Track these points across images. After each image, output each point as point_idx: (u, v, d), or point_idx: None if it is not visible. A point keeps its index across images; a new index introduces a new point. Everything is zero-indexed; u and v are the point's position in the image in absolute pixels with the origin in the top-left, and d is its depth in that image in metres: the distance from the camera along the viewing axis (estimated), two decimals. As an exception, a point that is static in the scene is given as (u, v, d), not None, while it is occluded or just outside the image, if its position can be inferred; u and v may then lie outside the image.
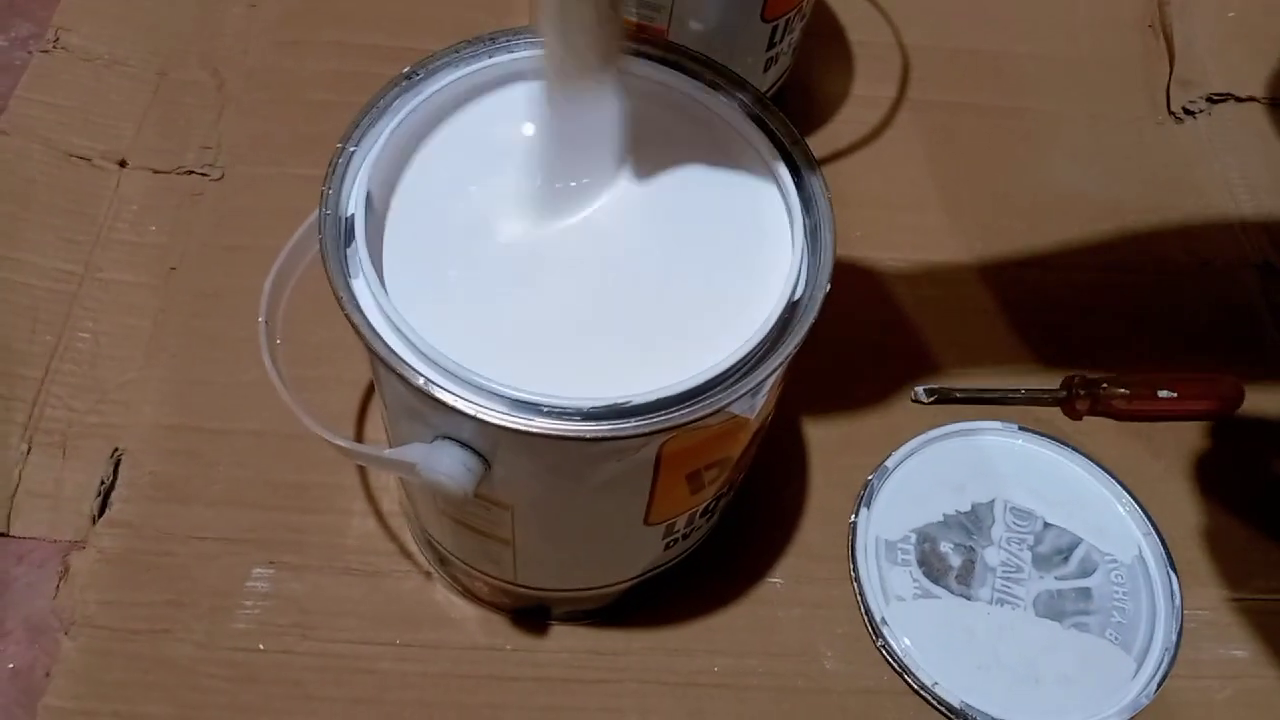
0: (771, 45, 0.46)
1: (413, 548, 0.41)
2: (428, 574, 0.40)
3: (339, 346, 0.43)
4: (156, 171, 0.49)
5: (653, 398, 0.26)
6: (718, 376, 0.26)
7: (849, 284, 0.49)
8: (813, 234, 0.29)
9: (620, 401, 0.25)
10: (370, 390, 0.44)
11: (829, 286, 0.28)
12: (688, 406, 0.26)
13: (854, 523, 0.43)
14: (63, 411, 0.42)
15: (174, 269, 0.46)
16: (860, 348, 0.47)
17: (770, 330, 0.27)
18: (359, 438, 0.43)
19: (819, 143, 0.54)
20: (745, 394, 0.26)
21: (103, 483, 0.40)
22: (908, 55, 0.58)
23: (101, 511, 0.40)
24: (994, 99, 0.57)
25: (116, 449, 0.41)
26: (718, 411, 0.26)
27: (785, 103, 0.54)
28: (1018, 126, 0.56)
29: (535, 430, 0.25)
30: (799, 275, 0.29)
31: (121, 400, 0.43)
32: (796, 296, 0.28)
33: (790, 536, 0.42)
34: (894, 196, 0.53)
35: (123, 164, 0.49)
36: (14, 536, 0.40)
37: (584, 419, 0.25)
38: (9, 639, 0.38)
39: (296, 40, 0.54)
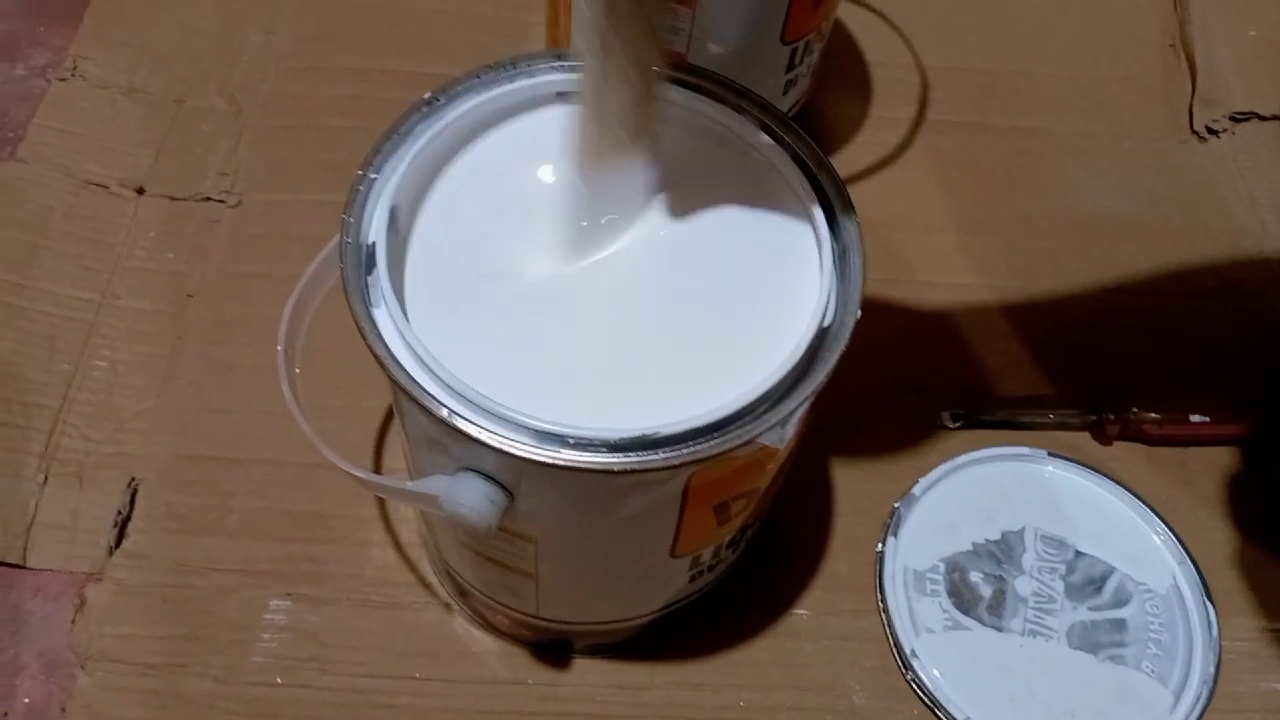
0: (791, 67, 0.46)
1: (432, 579, 0.40)
2: (447, 606, 0.39)
3: (356, 374, 0.43)
4: (174, 199, 0.48)
5: (681, 429, 0.25)
6: (747, 407, 0.26)
7: (871, 307, 0.48)
8: (841, 258, 0.29)
9: (648, 432, 0.25)
10: (389, 419, 0.43)
11: (859, 313, 0.27)
12: (717, 437, 0.25)
13: (881, 552, 0.42)
14: (80, 441, 0.42)
15: (191, 296, 0.46)
16: (884, 372, 0.47)
17: (800, 359, 0.26)
18: (378, 467, 0.43)
19: (838, 165, 0.52)
20: (775, 424, 0.26)
21: (119, 514, 0.40)
22: (926, 76, 0.58)
23: (118, 543, 0.40)
24: (1014, 119, 0.57)
25: (133, 479, 0.41)
26: (748, 443, 0.25)
27: (804, 124, 0.53)
28: (1038, 147, 0.56)
29: (561, 463, 0.24)
30: (828, 301, 0.28)
31: (138, 429, 0.42)
32: (826, 323, 0.28)
33: (816, 566, 0.42)
34: (915, 218, 0.52)
35: (140, 191, 0.48)
36: (30, 569, 0.39)
37: (611, 450, 0.25)
38: (24, 673, 0.37)
39: (312, 67, 0.54)
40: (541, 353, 0.27)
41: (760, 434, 0.25)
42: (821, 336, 0.27)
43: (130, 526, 0.40)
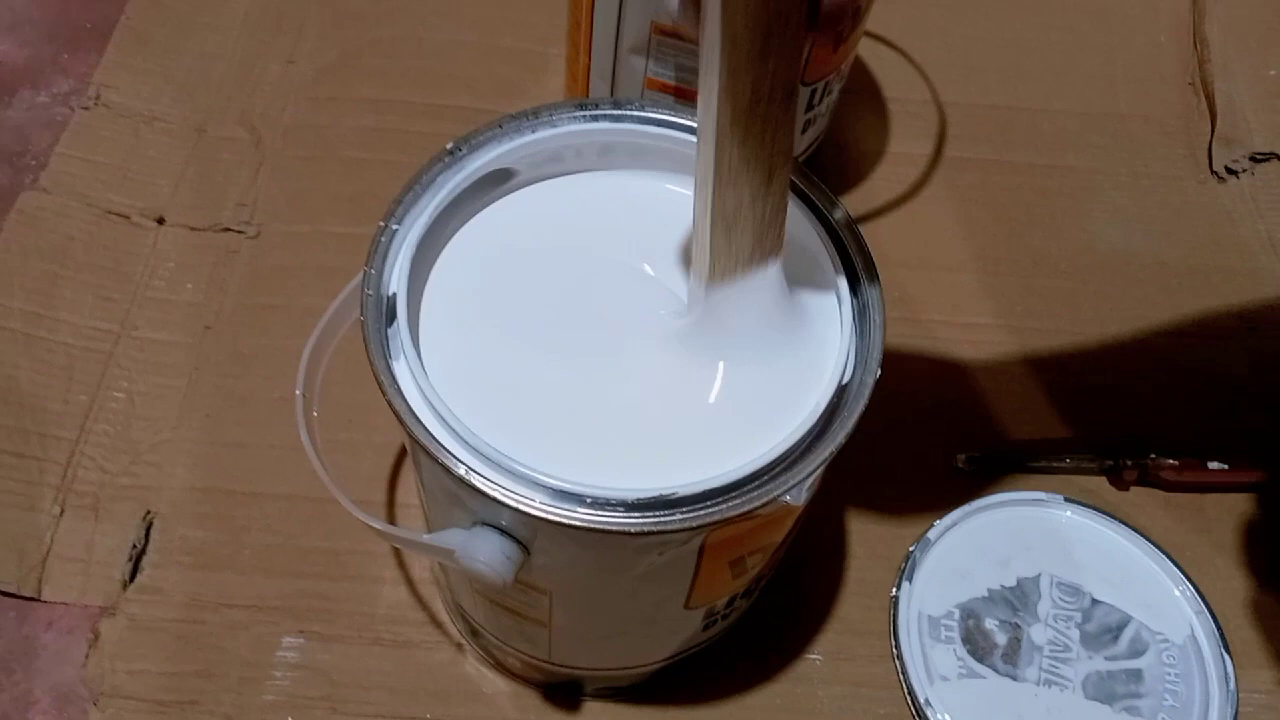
0: (810, 108, 0.46)
1: (444, 617, 0.40)
2: (459, 645, 0.39)
3: (370, 406, 0.43)
4: (193, 229, 0.49)
5: (699, 489, 0.25)
6: (765, 467, 0.25)
7: (890, 346, 0.48)
8: (861, 316, 0.29)
9: (666, 493, 0.25)
10: (403, 453, 0.43)
11: (879, 372, 0.27)
12: (735, 498, 0.25)
13: (895, 597, 0.42)
14: (96, 473, 0.42)
15: (209, 328, 0.46)
16: (900, 412, 0.46)
17: (819, 419, 0.26)
18: (391, 502, 0.43)
19: (855, 201, 0.54)
20: (794, 485, 0.26)
21: (134, 547, 0.40)
22: (944, 112, 0.58)
23: (132, 577, 0.40)
24: (1033, 156, 0.56)
25: (148, 512, 0.41)
26: (766, 504, 0.25)
27: (821, 161, 0.53)
28: (1057, 184, 0.55)
29: (578, 524, 0.24)
30: (848, 359, 0.28)
31: (154, 462, 0.42)
32: (845, 380, 0.28)
33: (830, 611, 0.41)
34: (932, 256, 0.52)
35: (160, 221, 0.49)
36: (45, 601, 0.39)
37: (628, 510, 0.25)
38: (35, 708, 0.37)
39: (333, 97, 0.54)
40: (560, 408, 0.27)
41: (778, 495, 0.25)
42: (840, 395, 0.27)
43: (144, 560, 0.40)
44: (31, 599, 0.39)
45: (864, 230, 0.52)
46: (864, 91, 0.58)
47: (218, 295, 0.47)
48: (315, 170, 0.51)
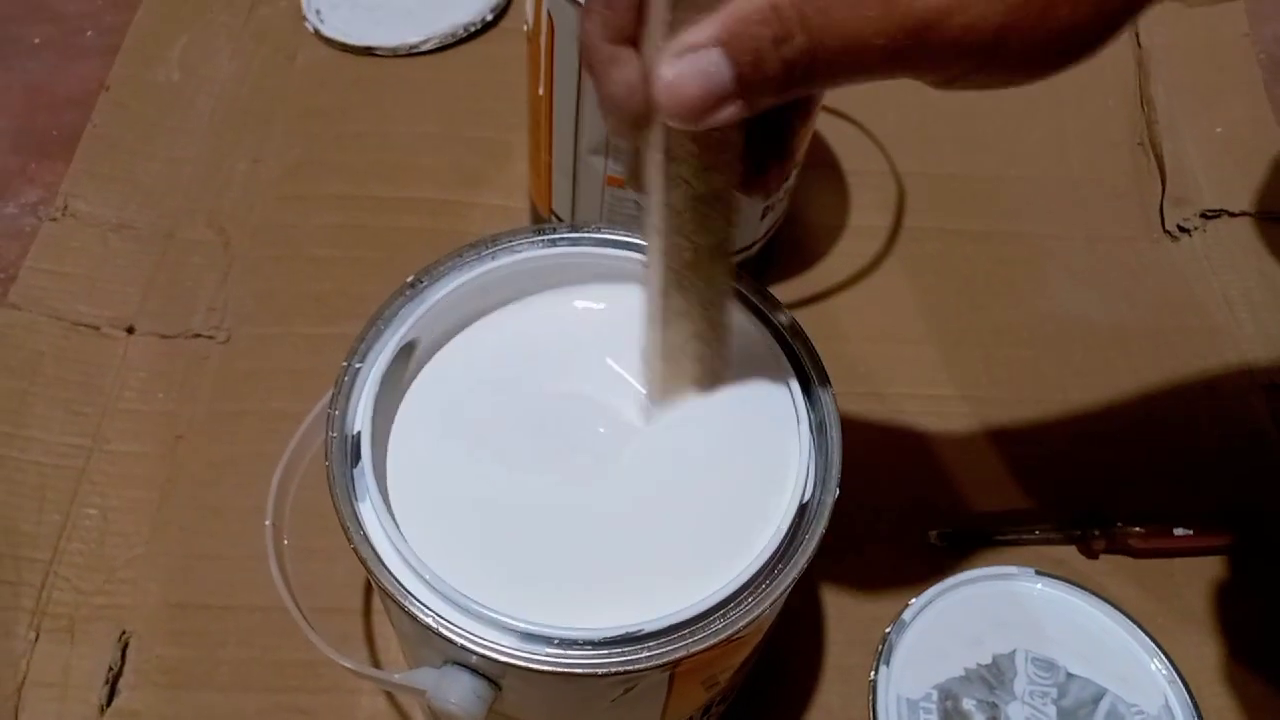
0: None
1: (424, 726, 0.40)
2: (440, 755, 0.39)
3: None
4: (164, 336, 0.49)
5: (665, 624, 0.25)
6: (730, 596, 0.26)
7: (854, 422, 0.49)
8: (819, 430, 0.29)
9: (632, 630, 0.25)
10: (378, 558, 0.43)
11: (838, 491, 0.28)
12: (702, 630, 0.26)
13: (874, 681, 0.42)
14: (70, 594, 0.42)
15: (180, 437, 0.46)
16: (869, 490, 0.47)
17: (780, 542, 0.27)
18: (367, 609, 0.43)
19: (818, 277, 0.55)
20: (761, 612, 0.26)
21: (110, 669, 0.40)
22: (902, 183, 0.59)
23: (109, 701, 0.39)
24: (990, 224, 0.58)
25: (124, 632, 0.41)
26: (734, 634, 0.26)
27: (782, 238, 0.54)
28: (1015, 252, 0.57)
29: (545, 668, 0.25)
30: (807, 475, 0.28)
31: (129, 579, 0.42)
32: (805, 499, 0.28)
33: (809, 698, 0.42)
34: (896, 329, 0.53)
35: (130, 330, 0.49)
36: (20, 730, 0.39)
37: (595, 648, 0.25)
38: (14, 843, 0.37)
39: (299, 195, 0.55)
40: (525, 544, 0.28)
41: (746, 623, 0.26)
42: (801, 514, 0.28)
43: (121, 682, 0.40)
44: (7, 729, 0.39)
45: (826, 306, 0.54)
46: (822, 165, 0.59)
47: (189, 403, 0.47)
48: (283, 270, 0.52)
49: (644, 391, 0.30)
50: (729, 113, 0.22)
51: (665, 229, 0.27)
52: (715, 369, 0.30)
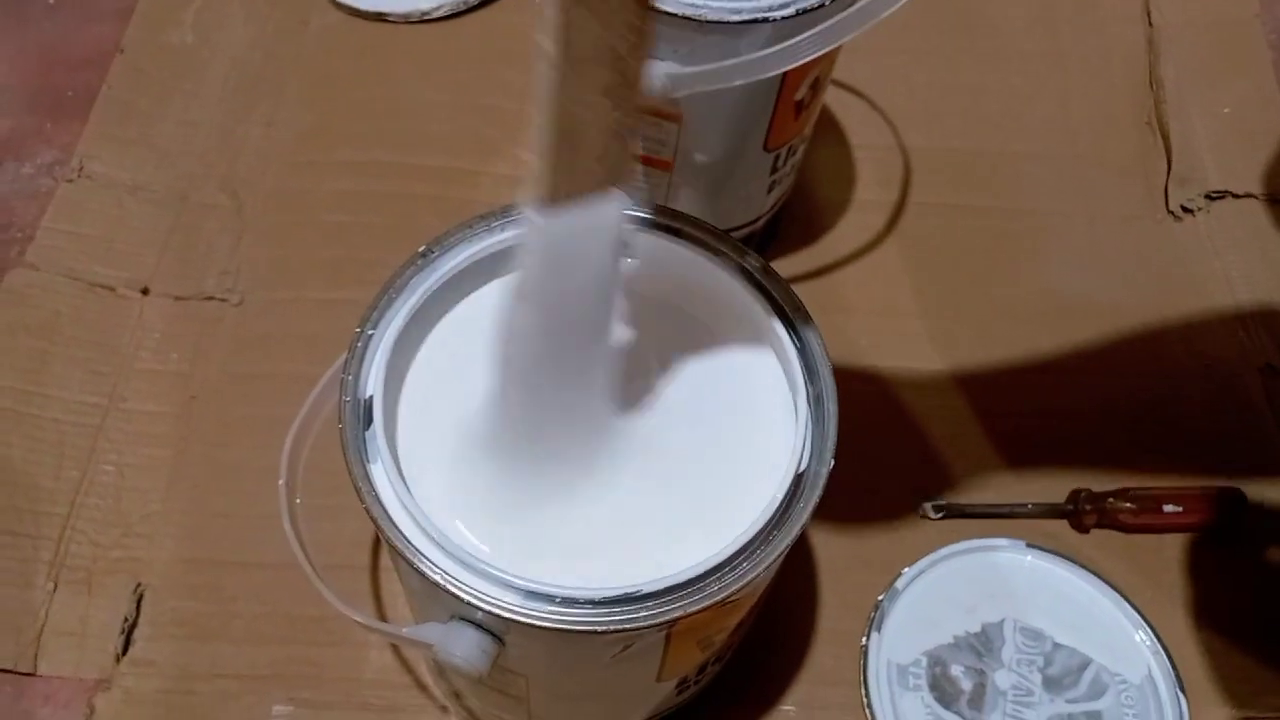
0: (774, 170, 0.47)
1: (428, 680, 0.41)
2: (443, 708, 0.41)
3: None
4: (178, 298, 0.50)
5: (663, 585, 0.26)
6: (726, 560, 0.27)
7: (856, 394, 0.50)
8: (816, 403, 0.30)
9: (631, 590, 0.26)
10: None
11: (833, 462, 0.29)
12: (698, 591, 0.27)
13: (865, 646, 0.43)
14: (88, 548, 0.43)
15: (195, 397, 0.47)
16: (867, 460, 0.47)
17: (775, 510, 0.28)
18: (375, 566, 0.44)
19: (823, 250, 0.55)
20: (755, 576, 0.27)
21: (126, 620, 0.41)
22: (909, 158, 0.59)
23: (125, 650, 0.41)
24: (994, 200, 0.58)
25: (139, 585, 0.42)
26: (728, 596, 0.27)
27: (789, 212, 0.55)
28: (1018, 228, 0.57)
29: (547, 624, 0.26)
30: (804, 447, 0.29)
31: (144, 534, 0.44)
32: (801, 469, 0.29)
33: (802, 661, 0.43)
34: (899, 303, 0.54)
35: (145, 292, 0.50)
36: (40, 676, 0.40)
37: (595, 607, 0.26)
38: (35, 783, 0.38)
39: (312, 161, 0.56)
40: (529, 505, 0.29)
41: (740, 585, 0.27)
42: (797, 482, 0.29)
43: (137, 633, 0.41)
44: (28, 674, 0.40)
45: (830, 280, 0.54)
46: (831, 140, 0.59)
47: (203, 365, 0.48)
48: (296, 235, 0.53)
49: (537, 187, 0.24)
50: None
51: None
52: (618, 169, 0.25)
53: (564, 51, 0.22)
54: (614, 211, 0.26)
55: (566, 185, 0.24)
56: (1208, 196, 0.59)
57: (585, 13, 0.22)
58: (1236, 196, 0.59)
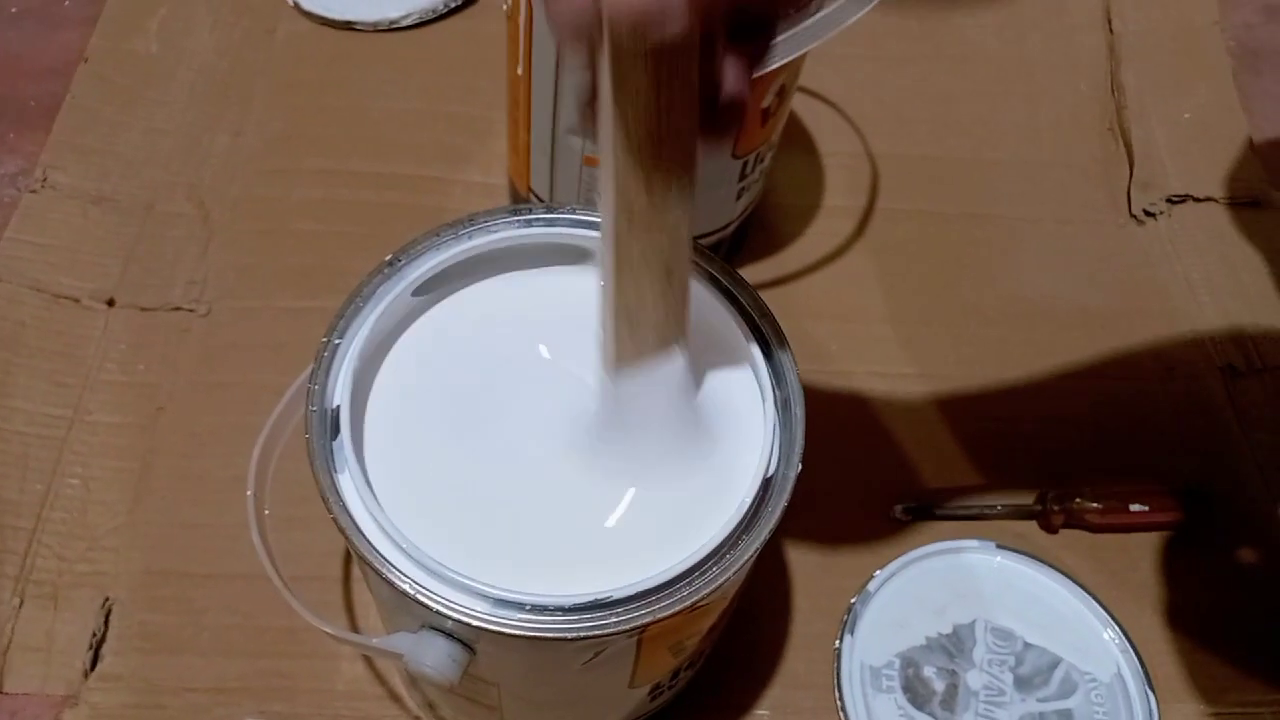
0: (743, 177, 0.48)
1: (401, 691, 0.41)
2: (417, 719, 0.40)
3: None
4: (144, 309, 0.49)
5: (632, 591, 0.26)
6: (695, 565, 0.27)
7: (825, 399, 0.51)
8: (784, 408, 0.31)
9: (600, 596, 0.26)
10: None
11: (800, 466, 0.29)
12: (668, 597, 0.27)
13: (838, 649, 0.43)
14: (54, 561, 0.42)
15: (161, 409, 0.47)
16: (837, 464, 0.48)
17: (744, 515, 0.28)
18: (346, 577, 0.44)
19: (790, 257, 0.56)
20: (724, 580, 0.27)
21: (94, 635, 0.41)
22: (876, 164, 0.60)
23: (93, 665, 0.40)
24: (962, 206, 0.59)
25: (107, 598, 0.42)
26: (697, 602, 0.27)
27: (757, 219, 0.55)
28: (986, 233, 0.58)
29: (517, 632, 0.26)
30: (772, 451, 0.30)
31: (111, 547, 0.43)
32: (770, 473, 0.29)
33: (776, 665, 0.43)
34: (868, 308, 0.54)
35: (110, 303, 0.49)
36: (7, 693, 0.40)
37: (565, 614, 0.26)
38: (0, 802, 0.38)
39: (280, 169, 0.55)
40: (498, 512, 0.29)
41: (709, 590, 0.27)
42: (766, 486, 0.29)
43: (105, 647, 0.41)
44: (-7, 691, 0.40)
45: (798, 286, 0.55)
46: (799, 147, 0.60)
47: (170, 375, 0.48)
48: (265, 244, 0.52)
49: (606, 359, 0.29)
50: (679, 20, 0.21)
51: (618, 168, 0.25)
52: (673, 333, 0.29)
53: (618, 262, 0.27)
54: (676, 369, 0.29)
55: (630, 353, 0.29)
56: (1169, 200, 0.60)
57: (635, 228, 0.26)
58: (1197, 200, 0.60)
